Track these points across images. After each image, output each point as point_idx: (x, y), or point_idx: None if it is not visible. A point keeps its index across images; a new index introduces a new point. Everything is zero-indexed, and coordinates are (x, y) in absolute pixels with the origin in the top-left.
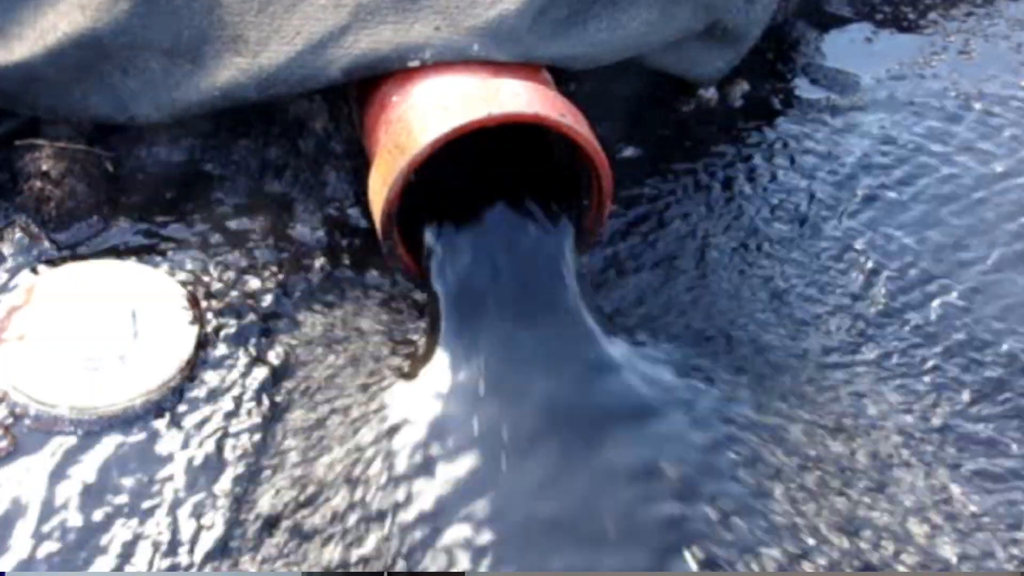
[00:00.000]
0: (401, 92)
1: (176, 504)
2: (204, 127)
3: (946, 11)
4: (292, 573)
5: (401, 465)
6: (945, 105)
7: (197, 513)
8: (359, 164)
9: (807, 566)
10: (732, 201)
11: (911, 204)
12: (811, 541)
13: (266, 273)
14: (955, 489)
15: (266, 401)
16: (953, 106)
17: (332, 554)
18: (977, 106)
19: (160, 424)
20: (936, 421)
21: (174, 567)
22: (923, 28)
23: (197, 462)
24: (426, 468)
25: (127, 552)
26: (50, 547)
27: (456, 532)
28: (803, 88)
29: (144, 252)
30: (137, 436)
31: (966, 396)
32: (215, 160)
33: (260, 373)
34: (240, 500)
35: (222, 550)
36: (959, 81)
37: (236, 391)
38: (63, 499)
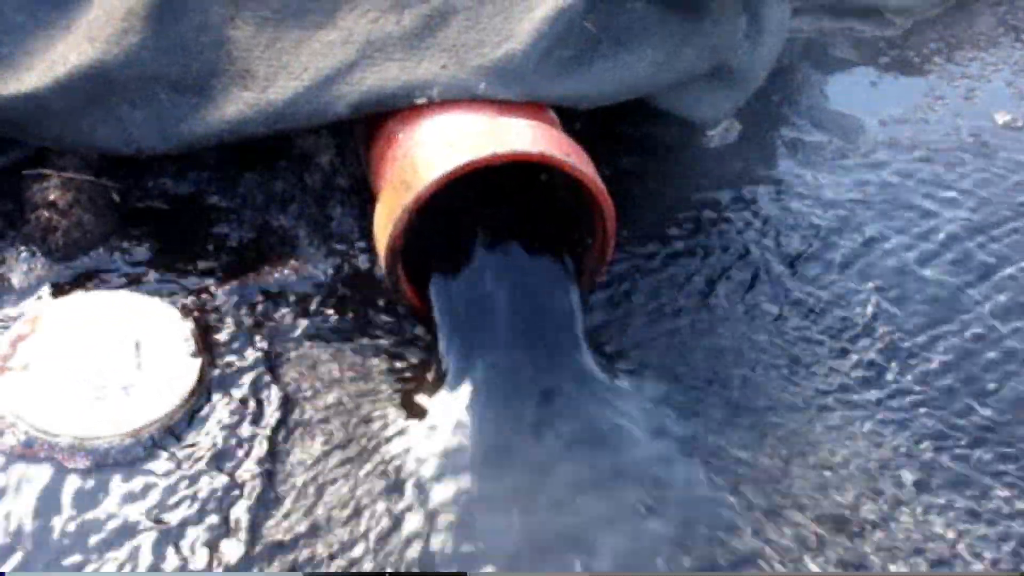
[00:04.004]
0: (407, 129)
1: (179, 536)
2: (210, 160)
3: (950, 56)
4: (292, 573)
5: (404, 500)
6: (948, 150)
7: (201, 544)
8: (365, 199)
9: None
10: (733, 243)
11: (912, 248)
12: None
13: (270, 307)
14: (950, 532)
15: (269, 435)
16: (956, 151)
17: None
18: (980, 152)
19: (163, 455)
20: (935, 464)
21: None
22: (927, 73)
23: (200, 494)
24: (429, 503)
25: None
26: None
27: (458, 563)
28: (807, 131)
29: (149, 283)
30: (140, 467)
31: (964, 440)
32: (221, 193)
33: (263, 407)
34: (244, 531)
35: None
36: (962, 126)
37: (239, 424)
38: (63, 529)
